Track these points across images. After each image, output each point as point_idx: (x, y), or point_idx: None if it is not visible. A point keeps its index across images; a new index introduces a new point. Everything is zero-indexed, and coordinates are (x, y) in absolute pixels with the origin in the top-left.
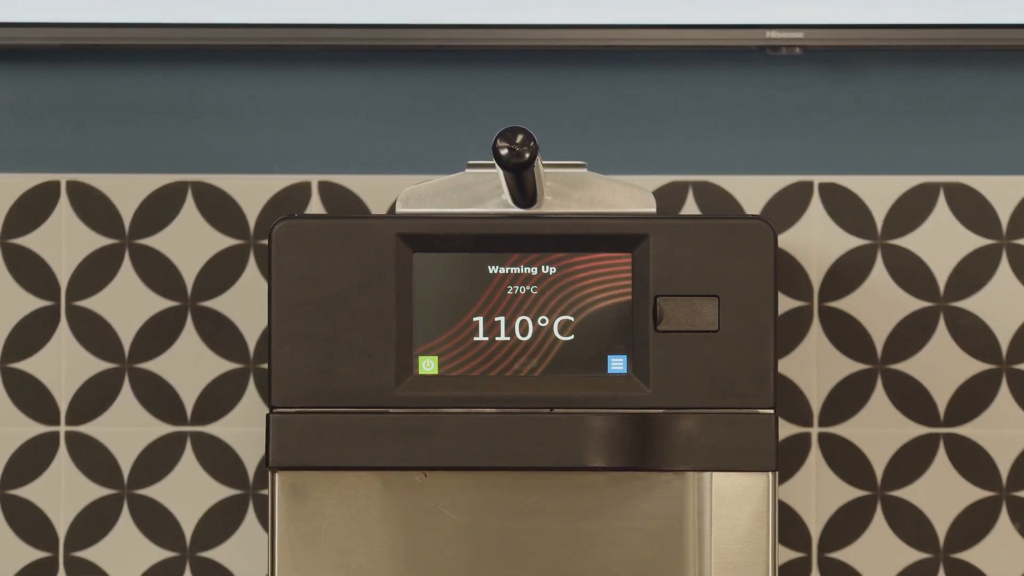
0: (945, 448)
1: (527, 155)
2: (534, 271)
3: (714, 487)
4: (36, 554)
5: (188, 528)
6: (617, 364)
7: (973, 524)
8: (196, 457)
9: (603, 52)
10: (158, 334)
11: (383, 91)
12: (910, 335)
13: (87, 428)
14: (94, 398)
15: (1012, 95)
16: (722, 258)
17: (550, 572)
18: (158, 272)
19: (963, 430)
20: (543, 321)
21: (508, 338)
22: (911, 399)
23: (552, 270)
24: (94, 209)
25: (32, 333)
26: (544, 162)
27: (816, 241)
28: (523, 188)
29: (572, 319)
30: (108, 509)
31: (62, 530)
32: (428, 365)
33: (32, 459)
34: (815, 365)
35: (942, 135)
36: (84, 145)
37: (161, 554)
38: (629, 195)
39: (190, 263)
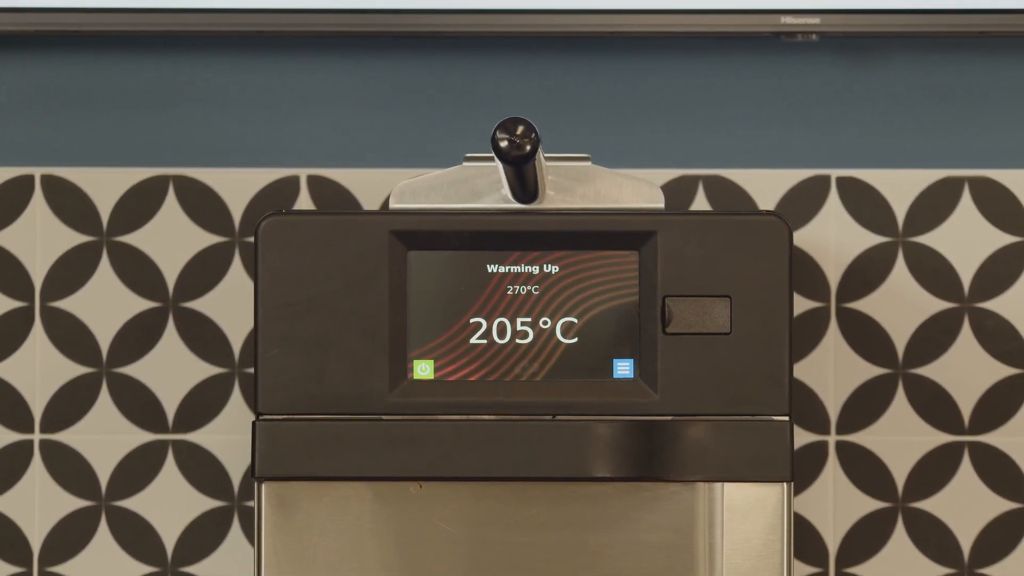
0: (970, 457)
1: (528, 147)
2: (535, 270)
3: (726, 498)
4: (9, 569)
5: (169, 542)
6: (623, 368)
7: (999, 537)
8: (178, 467)
9: (608, 38)
10: (138, 337)
11: (376, 80)
12: (933, 338)
13: (63, 436)
14: (70, 404)
15: None
16: (734, 256)
17: None
18: (138, 271)
19: (989, 438)
20: (545, 323)
21: (508, 341)
22: (934, 405)
23: (554, 269)
24: (70, 204)
25: (4, 336)
26: (546, 155)
27: (834, 238)
28: (524, 182)
29: (576, 321)
30: (85, 521)
31: (36, 544)
32: (423, 369)
33: (5, 469)
34: (832, 369)
35: (967, 126)
36: (60, 137)
37: (141, 569)
38: (636, 190)
39: (172, 262)
